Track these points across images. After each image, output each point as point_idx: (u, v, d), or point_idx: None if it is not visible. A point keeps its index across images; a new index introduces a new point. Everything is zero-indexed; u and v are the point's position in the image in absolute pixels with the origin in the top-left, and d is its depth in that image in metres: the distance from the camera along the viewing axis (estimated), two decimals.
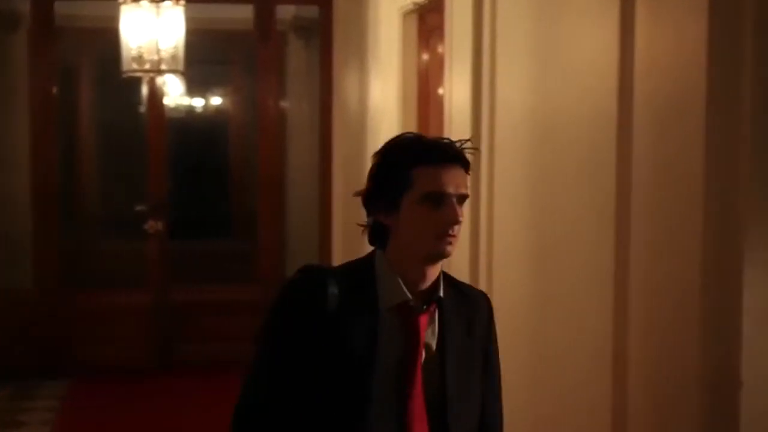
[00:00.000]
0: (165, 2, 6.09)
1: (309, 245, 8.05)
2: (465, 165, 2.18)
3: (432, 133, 5.01)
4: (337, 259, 6.78)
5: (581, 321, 2.75)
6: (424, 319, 2.19)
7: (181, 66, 6.24)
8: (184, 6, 6.19)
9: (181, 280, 7.96)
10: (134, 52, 6.04)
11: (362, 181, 2.17)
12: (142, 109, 8.34)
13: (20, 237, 7.73)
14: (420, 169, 2.13)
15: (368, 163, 2.20)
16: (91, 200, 9.54)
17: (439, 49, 4.79)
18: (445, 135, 4.28)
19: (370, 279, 2.21)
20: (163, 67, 6.14)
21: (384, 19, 5.71)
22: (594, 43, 2.63)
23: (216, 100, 9.83)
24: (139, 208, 7.79)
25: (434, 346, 2.21)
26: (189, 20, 6.25)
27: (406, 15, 5.38)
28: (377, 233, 2.24)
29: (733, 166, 1.92)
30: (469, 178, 2.20)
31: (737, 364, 1.93)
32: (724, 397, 1.97)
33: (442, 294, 2.22)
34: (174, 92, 9.38)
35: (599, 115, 2.57)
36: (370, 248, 2.23)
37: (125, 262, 8.34)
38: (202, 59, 8.84)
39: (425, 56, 5.31)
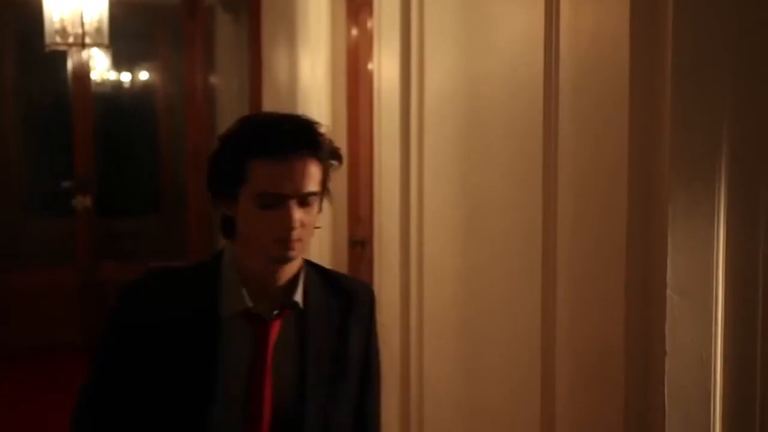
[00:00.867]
0: None
1: None
2: (317, 154, 1.94)
3: (362, 110, 4.99)
4: None
5: (510, 291, 2.77)
6: (275, 327, 1.96)
7: (105, 39, 6.11)
8: None
9: (111, 257, 7.87)
10: (57, 25, 5.90)
11: None
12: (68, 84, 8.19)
13: None
14: (256, 162, 1.89)
15: None
16: (16, 177, 9.35)
17: (369, 25, 4.76)
18: (375, 110, 4.27)
19: (212, 282, 1.98)
20: (88, 40, 5.99)
21: None
22: (521, 18, 2.64)
23: (144, 75, 9.68)
24: (65, 183, 7.66)
25: (291, 356, 1.98)
26: None
27: None
28: (226, 225, 2.04)
29: (657, 135, 1.94)
30: (337, 167, 1.99)
31: (661, 336, 1.96)
32: (649, 368, 2.00)
33: (301, 296, 1.99)
34: (101, 67, 9.22)
35: (525, 87, 2.58)
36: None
37: (52, 238, 8.21)
38: (129, 33, 8.69)
39: (354, 31, 5.27)
